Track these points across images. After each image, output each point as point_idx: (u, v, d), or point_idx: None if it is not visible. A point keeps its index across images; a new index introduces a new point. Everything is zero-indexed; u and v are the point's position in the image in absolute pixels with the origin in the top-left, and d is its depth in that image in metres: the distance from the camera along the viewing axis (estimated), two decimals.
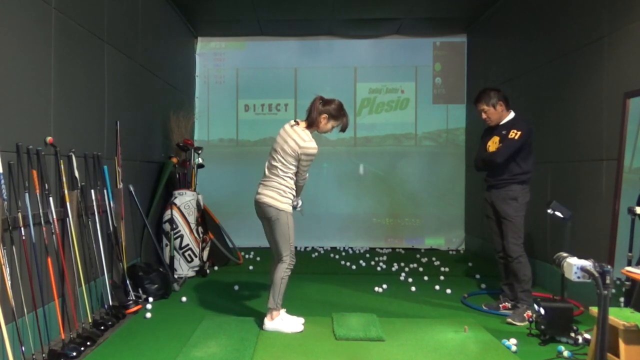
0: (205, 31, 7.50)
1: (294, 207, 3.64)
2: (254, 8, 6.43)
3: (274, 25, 7.18)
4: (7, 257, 2.80)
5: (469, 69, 7.45)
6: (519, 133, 3.83)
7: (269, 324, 3.58)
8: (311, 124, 3.60)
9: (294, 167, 3.54)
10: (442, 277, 5.42)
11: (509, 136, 3.86)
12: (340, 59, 7.62)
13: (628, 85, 3.75)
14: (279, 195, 3.52)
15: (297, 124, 3.61)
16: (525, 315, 3.76)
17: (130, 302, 4.00)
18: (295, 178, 3.58)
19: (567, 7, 4.64)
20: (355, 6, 6.39)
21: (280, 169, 3.54)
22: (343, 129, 3.69)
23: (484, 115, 4.06)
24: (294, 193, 3.61)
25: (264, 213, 3.58)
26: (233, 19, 6.94)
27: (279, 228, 3.53)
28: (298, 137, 3.51)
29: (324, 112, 3.58)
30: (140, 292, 4.31)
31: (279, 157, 3.54)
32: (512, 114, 4.03)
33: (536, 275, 5.06)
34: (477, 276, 5.44)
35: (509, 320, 3.80)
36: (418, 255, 6.77)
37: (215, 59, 7.69)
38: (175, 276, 5.12)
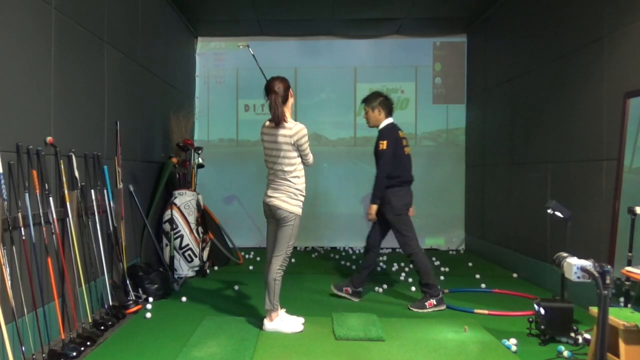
0: (205, 31, 7.50)
1: None
2: (254, 8, 6.43)
3: (274, 25, 7.18)
4: (7, 257, 2.80)
5: (469, 69, 7.45)
6: (385, 142, 4.26)
7: (269, 324, 3.59)
8: (287, 111, 3.61)
9: (297, 158, 3.57)
10: (442, 277, 5.42)
11: (379, 148, 4.27)
12: (340, 59, 7.62)
13: (628, 85, 3.75)
14: (289, 198, 3.55)
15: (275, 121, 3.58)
16: (427, 304, 4.16)
17: (130, 302, 4.00)
18: (302, 173, 3.63)
19: (567, 7, 4.64)
20: (355, 6, 6.39)
21: (286, 170, 3.55)
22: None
23: (364, 115, 4.49)
24: (304, 194, 3.63)
25: (273, 214, 3.61)
26: (233, 19, 6.94)
27: (285, 229, 3.57)
28: (284, 129, 3.53)
29: (287, 88, 3.60)
30: (140, 292, 4.31)
31: (279, 159, 3.55)
32: (385, 122, 4.38)
33: (536, 275, 5.07)
34: (477, 276, 5.44)
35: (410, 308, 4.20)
36: None
37: (215, 59, 7.69)
38: (175, 276, 5.12)
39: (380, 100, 4.38)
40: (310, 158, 3.65)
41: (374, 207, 4.36)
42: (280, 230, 3.59)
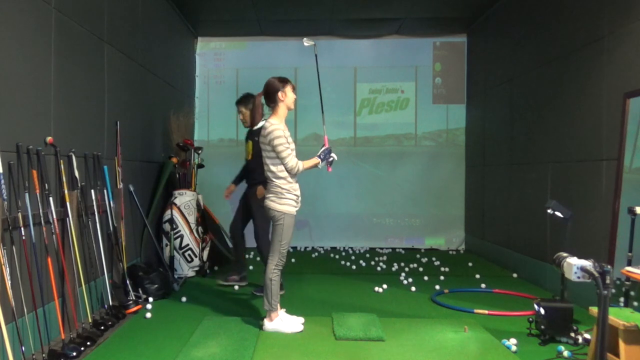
0: (205, 31, 7.50)
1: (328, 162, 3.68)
2: (254, 8, 6.43)
3: (274, 25, 7.18)
4: (7, 257, 2.80)
5: (469, 69, 7.45)
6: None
7: (269, 324, 3.59)
8: (274, 114, 3.61)
9: (276, 160, 3.55)
10: (442, 277, 5.42)
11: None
12: (340, 59, 7.61)
13: (628, 85, 3.75)
14: (276, 197, 3.56)
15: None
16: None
17: (130, 302, 4.00)
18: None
19: (567, 7, 4.64)
20: (355, 6, 6.39)
21: (272, 170, 3.56)
22: (293, 87, 3.68)
23: (240, 116, 4.77)
24: (297, 193, 3.60)
25: (267, 214, 3.64)
26: (233, 19, 6.94)
27: (275, 228, 3.60)
28: (263, 130, 3.56)
29: (274, 91, 3.58)
30: (140, 292, 4.31)
31: (265, 159, 3.60)
32: (262, 122, 4.38)
33: (536, 275, 5.08)
34: (477, 276, 5.43)
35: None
36: (418, 255, 6.76)
37: (215, 59, 7.69)
38: (175, 276, 5.12)
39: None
40: (288, 161, 3.49)
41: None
42: (272, 230, 3.61)
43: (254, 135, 4.51)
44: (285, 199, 3.55)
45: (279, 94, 3.58)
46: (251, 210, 4.65)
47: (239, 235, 4.83)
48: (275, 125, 3.52)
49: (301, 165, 3.55)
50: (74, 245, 3.47)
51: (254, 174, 4.60)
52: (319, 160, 3.64)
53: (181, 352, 3.13)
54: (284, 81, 3.62)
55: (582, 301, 3.87)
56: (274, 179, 3.56)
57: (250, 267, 5.89)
